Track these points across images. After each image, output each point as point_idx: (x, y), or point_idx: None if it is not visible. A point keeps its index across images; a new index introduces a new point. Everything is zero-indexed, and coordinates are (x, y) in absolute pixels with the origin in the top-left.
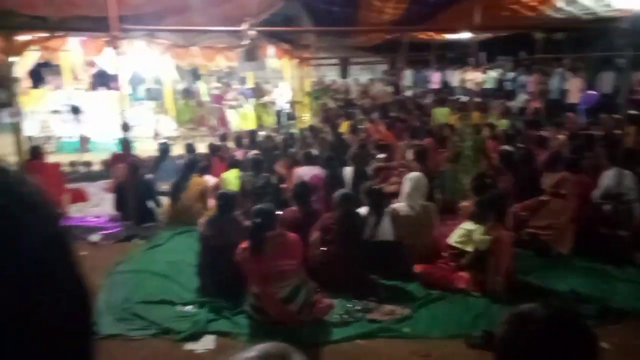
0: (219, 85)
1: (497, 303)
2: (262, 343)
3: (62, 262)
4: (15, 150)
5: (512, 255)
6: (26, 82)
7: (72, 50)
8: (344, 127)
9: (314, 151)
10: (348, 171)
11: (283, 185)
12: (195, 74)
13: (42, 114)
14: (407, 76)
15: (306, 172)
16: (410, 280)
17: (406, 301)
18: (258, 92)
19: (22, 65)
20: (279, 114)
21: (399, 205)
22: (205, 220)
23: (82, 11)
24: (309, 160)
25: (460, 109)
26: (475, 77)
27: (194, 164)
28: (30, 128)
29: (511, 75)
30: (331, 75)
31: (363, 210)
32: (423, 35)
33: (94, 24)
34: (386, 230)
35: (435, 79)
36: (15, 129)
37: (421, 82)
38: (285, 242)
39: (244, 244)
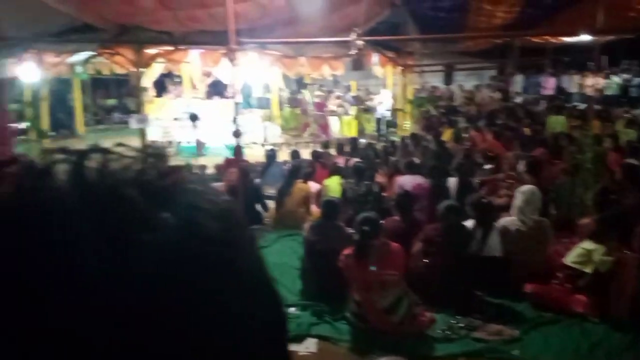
0: (320, 93)
1: (619, 331)
2: (381, 356)
3: (265, 274)
4: None
5: (637, 279)
6: (151, 91)
7: (192, 62)
8: (447, 135)
9: (416, 160)
10: (452, 182)
11: (384, 194)
12: (300, 83)
13: (164, 121)
14: (518, 82)
15: (408, 181)
16: (520, 300)
17: (515, 322)
18: (360, 99)
19: (148, 76)
20: (380, 121)
21: (509, 220)
22: (310, 225)
23: (202, 26)
24: (411, 169)
25: (579, 118)
26: (596, 83)
27: (298, 170)
28: (154, 133)
29: (637, 80)
30: (434, 81)
31: (469, 223)
32: (537, 39)
33: (213, 38)
34: (494, 246)
35: (549, 84)
36: (141, 134)
37: (533, 88)
38: (389, 252)
39: (348, 251)
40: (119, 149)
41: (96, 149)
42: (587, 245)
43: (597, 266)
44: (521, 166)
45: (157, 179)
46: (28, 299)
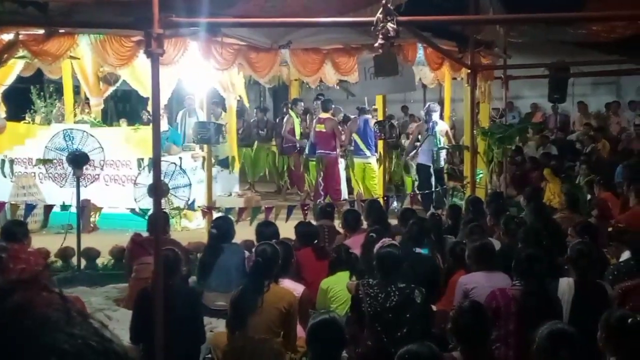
0: (327, 115)
1: None
2: None
3: None
4: None
5: None
6: (1, 111)
7: (81, 58)
8: (553, 194)
9: (495, 243)
10: (565, 286)
11: (435, 308)
12: (279, 95)
13: (22, 165)
14: None
15: (480, 284)
16: None
17: None
18: (390, 129)
19: None
20: (426, 170)
21: None
22: None
23: None
24: (486, 260)
25: None
26: None
27: (272, 263)
28: (2, 190)
29: None
30: (532, 96)
31: None
32: None
33: (121, 15)
34: None
35: None
36: None
37: None
38: None
39: None
40: None
41: None
42: None
43: None
44: None
45: None
46: None
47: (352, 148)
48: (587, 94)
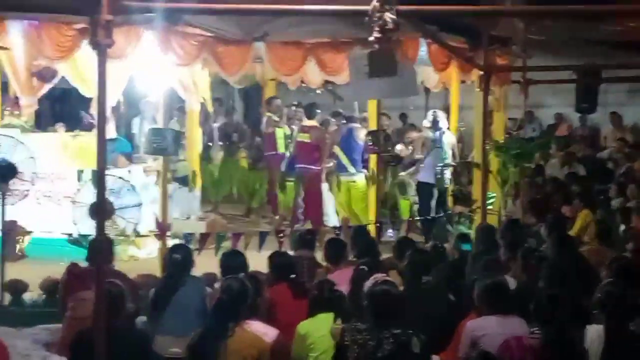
0: (313, 123)
1: None
2: None
3: None
4: None
5: None
6: None
7: (11, 49)
8: (581, 223)
9: (511, 281)
10: (593, 334)
11: (438, 359)
12: (252, 98)
13: None
14: None
15: (491, 330)
16: None
17: None
18: (384, 140)
19: None
20: (429, 190)
21: None
22: None
23: None
24: (498, 301)
25: None
26: None
27: (239, 302)
28: None
29: None
30: (556, 104)
31: None
32: None
33: None
34: None
35: None
36: None
37: None
38: None
39: None
40: None
41: None
42: None
43: None
44: None
45: None
46: None
47: (331, 165)
48: (622, 103)
